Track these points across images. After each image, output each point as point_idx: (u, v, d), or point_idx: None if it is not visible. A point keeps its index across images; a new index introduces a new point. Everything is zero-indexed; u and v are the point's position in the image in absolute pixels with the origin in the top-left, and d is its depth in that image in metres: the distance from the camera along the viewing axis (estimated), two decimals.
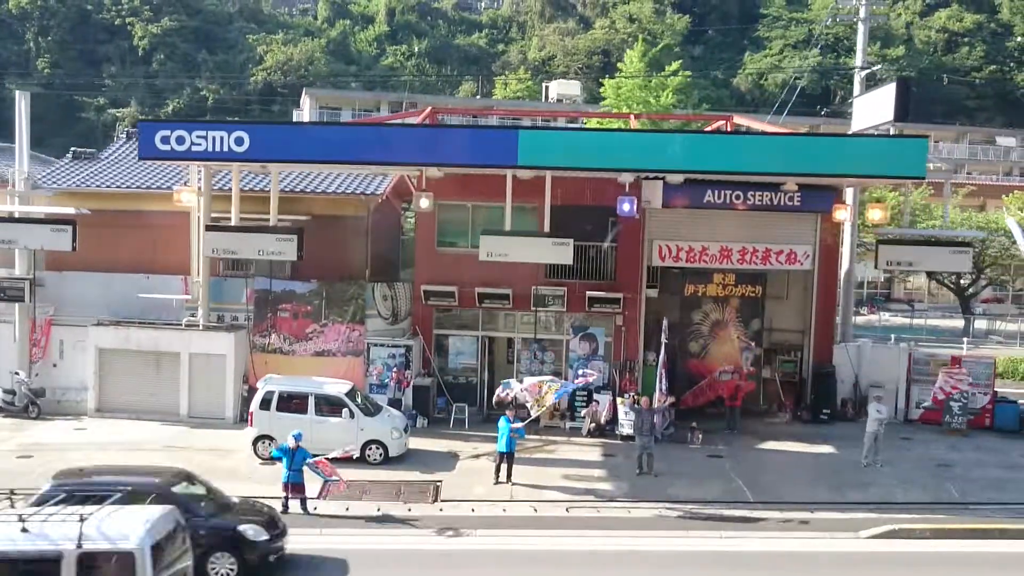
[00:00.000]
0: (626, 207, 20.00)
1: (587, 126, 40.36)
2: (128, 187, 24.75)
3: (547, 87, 76.99)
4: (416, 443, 21.60)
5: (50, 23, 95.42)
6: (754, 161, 19.17)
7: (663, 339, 22.12)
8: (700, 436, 22.16)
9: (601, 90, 49.52)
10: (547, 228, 21.23)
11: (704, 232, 23.85)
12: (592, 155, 19.23)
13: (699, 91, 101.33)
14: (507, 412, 19.24)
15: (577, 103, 70.56)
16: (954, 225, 41.79)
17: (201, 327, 23.15)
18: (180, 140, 19.56)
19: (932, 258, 22.44)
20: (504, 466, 19.09)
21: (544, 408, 18.91)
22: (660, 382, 21.94)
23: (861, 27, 25.64)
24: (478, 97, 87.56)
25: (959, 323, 45.32)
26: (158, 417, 23.02)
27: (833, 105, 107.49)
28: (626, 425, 22.09)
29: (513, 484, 19.01)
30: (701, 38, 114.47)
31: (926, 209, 46.06)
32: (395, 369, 23.16)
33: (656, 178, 21.66)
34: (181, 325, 23.32)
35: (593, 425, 22.73)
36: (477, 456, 20.93)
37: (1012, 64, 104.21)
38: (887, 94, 21.47)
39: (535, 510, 17.84)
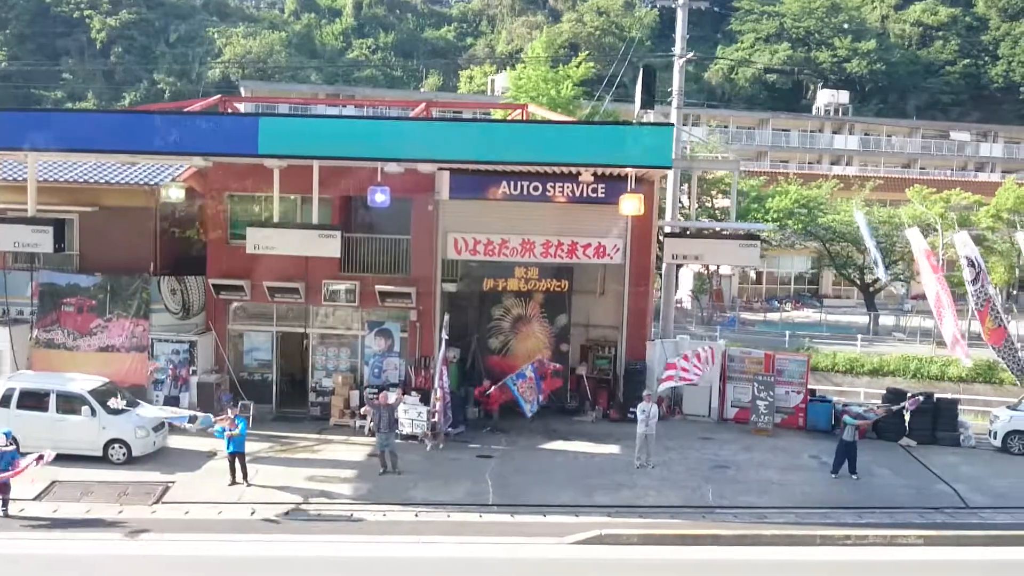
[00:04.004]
0: (379, 197, 19.11)
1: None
2: None
3: (492, 80, 76.33)
4: (182, 442, 20.91)
5: (8, 16, 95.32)
6: (497, 150, 18.25)
7: (443, 336, 21.35)
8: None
9: (506, 81, 48.72)
10: (315, 219, 20.54)
11: (504, 224, 22.93)
12: (334, 144, 18.33)
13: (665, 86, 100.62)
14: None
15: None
16: (853, 220, 41.05)
17: None
18: None
19: (719, 252, 21.71)
20: (238, 466, 18.45)
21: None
22: (440, 379, 21.21)
23: (680, 13, 24.69)
24: (421, 91, 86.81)
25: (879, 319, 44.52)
26: None
27: (805, 99, 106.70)
28: (406, 424, 21.38)
29: (249, 485, 18.36)
30: (672, 32, 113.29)
31: (845, 202, 45.35)
32: (172, 366, 22.47)
33: (404, 168, 20.82)
34: None
35: (374, 424, 21.93)
36: None
37: (987, 58, 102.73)
38: (638, 83, 20.65)
39: (252, 513, 17.13)
